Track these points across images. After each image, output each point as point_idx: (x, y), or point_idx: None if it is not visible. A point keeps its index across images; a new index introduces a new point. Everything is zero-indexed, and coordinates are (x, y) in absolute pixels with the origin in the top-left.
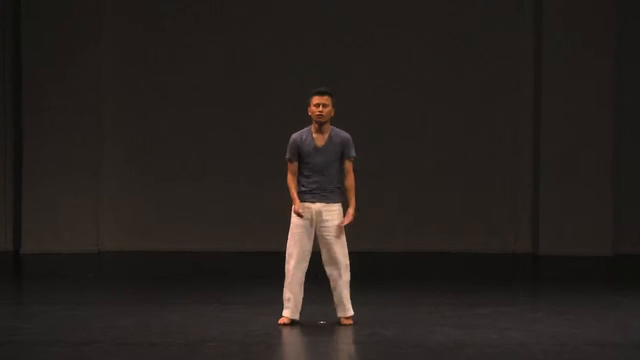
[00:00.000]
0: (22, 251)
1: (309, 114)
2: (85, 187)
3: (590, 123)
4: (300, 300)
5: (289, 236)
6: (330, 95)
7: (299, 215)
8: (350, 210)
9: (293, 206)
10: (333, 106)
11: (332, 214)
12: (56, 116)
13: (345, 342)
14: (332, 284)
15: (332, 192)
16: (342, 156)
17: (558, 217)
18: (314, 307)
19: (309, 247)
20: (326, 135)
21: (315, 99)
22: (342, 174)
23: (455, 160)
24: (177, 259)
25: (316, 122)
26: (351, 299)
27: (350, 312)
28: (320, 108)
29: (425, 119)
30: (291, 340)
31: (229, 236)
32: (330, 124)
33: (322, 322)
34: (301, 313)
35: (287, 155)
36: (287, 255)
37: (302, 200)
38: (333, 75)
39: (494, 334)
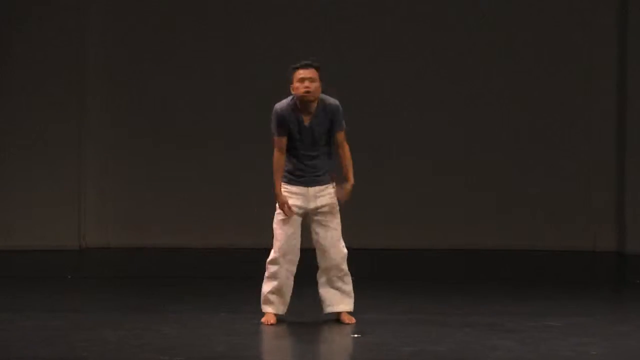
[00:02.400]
0: None
1: (293, 92)
2: (65, 170)
3: None
4: (289, 295)
5: (275, 225)
6: (317, 68)
7: (284, 211)
8: (349, 186)
9: (277, 201)
10: (321, 80)
11: (328, 198)
12: (29, 82)
13: None
14: (326, 276)
15: (325, 173)
16: (332, 128)
17: None
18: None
19: (297, 236)
20: (313, 110)
21: (300, 73)
22: (333, 148)
23: (527, 145)
24: (174, 256)
25: (302, 101)
26: (390, 304)
27: (352, 307)
28: (307, 83)
29: (492, 107)
30: (318, 358)
31: (237, 230)
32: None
33: (356, 335)
34: (325, 322)
35: (275, 131)
36: (273, 246)
37: (293, 184)
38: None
39: (568, 351)
